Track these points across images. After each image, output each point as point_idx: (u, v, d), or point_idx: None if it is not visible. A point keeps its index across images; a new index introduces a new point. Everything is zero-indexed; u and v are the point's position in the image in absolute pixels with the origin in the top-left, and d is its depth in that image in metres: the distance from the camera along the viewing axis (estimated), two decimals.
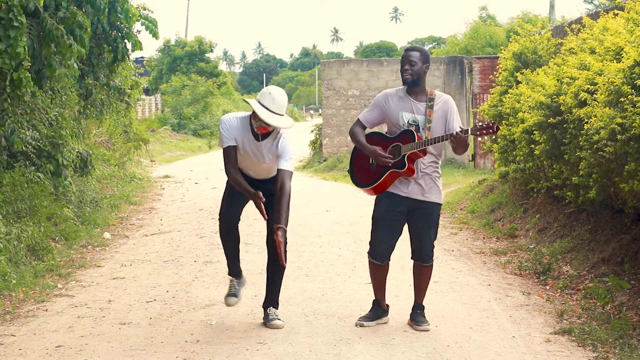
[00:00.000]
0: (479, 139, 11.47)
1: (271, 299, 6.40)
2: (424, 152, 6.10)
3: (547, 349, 5.78)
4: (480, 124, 6.06)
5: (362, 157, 6.35)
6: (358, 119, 6.38)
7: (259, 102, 6.03)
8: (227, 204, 6.47)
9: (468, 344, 5.86)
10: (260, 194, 6.00)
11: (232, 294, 6.60)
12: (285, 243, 6.00)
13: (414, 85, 6.17)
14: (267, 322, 6.28)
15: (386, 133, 6.28)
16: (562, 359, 5.59)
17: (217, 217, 6.60)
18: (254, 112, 6.03)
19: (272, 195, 6.12)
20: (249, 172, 6.31)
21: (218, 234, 6.67)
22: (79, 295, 7.45)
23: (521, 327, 6.34)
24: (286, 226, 5.90)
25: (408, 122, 6.13)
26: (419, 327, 6.19)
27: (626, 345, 5.73)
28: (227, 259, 6.64)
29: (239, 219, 6.51)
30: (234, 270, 6.65)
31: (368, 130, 6.36)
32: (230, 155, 6.16)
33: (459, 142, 5.99)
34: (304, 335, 5.99)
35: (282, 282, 6.45)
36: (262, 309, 6.45)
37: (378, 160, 6.13)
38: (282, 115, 6.04)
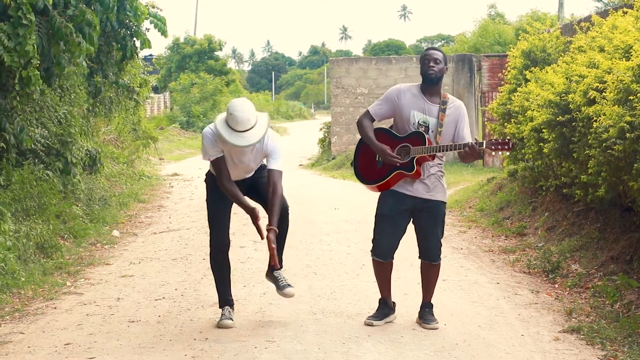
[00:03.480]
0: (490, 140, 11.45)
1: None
2: (433, 157, 6.05)
3: (556, 348, 5.77)
4: (496, 139, 6.04)
5: (367, 152, 6.26)
6: (367, 110, 6.27)
7: (227, 122, 5.88)
8: (217, 228, 6.26)
9: (476, 342, 5.86)
10: (257, 210, 5.97)
11: (228, 317, 6.23)
12: (283, 245, 6.20)
13: (434, 84, 6.07)
14: (279, 290, 6.29)
15: (391, 128, 6.22)
16: (571, 357, 5.58)
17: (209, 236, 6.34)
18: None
19: (254, 188, 6.23)
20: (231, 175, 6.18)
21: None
22: (88, 293, 7.47)
23: (530, 326, 6.33)
24: (277, 227, 5.95)
25: (419, 122, 6.06)
26: (427, 326, 6.18)
27: (635, 344, 5.72)
28: (218, 289, 6.36)
29: (230, 241, 6.33)
30: (226, 299, 6.34)
31: (375, 125, 6.26)
32: (221, 166, 6.05)
33: (471, 154, 5.97)
34: (312, 334, 5.99)
35: (284, 243, 6.38)
36: (267, 279, 6.46)
37: (386, 160, 6.06)
38: (249, 129, 5.86)
